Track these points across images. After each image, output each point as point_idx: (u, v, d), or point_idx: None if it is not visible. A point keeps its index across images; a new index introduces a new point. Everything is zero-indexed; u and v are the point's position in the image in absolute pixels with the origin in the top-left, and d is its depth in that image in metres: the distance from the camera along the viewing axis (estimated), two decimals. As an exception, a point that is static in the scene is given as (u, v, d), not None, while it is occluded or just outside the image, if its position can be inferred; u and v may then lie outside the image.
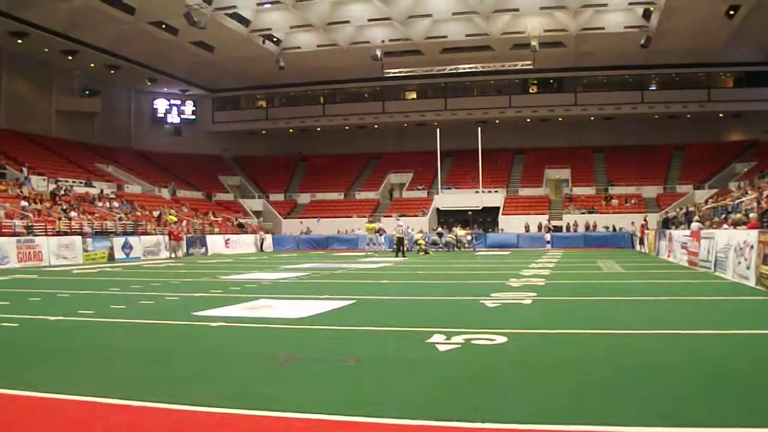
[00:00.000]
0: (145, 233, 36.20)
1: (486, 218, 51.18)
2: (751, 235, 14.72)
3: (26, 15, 39.54)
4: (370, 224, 38.96)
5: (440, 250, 39.29)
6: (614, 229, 45.90)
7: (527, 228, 47.60)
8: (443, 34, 47.30)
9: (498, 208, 51.28)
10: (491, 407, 4.94)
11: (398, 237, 33.68)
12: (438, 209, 52.61)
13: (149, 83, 56.00)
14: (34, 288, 16.05)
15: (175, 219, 40.37)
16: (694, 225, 26.90)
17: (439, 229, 43.47)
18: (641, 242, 37.38)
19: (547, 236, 43.59)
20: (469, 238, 40.69)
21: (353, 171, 61.87)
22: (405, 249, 33.86)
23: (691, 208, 35.32)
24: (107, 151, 54.23)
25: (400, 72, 50.35)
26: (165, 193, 51.34)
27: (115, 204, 41.15)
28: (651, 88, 55.07)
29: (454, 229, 42.54)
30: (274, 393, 5.45)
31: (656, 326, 8.94)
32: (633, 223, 42.81)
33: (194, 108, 62.03)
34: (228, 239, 41.73)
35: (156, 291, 14.86)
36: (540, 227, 46.90)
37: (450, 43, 48.04)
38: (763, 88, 50.82)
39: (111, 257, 30.93)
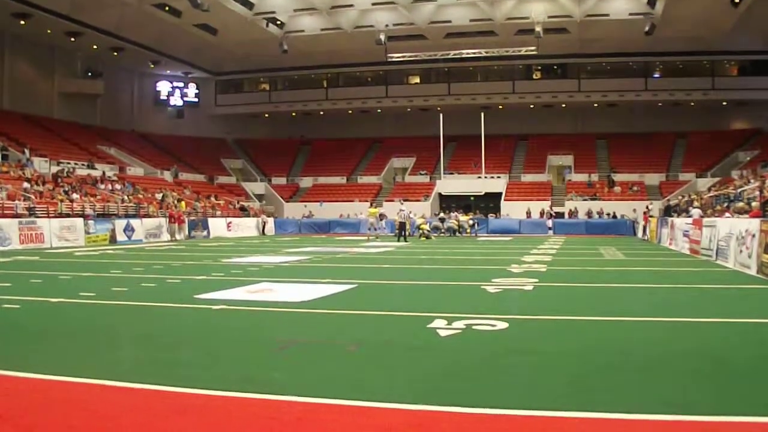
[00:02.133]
0: (147, 216, 36.18)
1: (488, 204, 51.08)
2: (753, 224, 14.71)
3: (29, -4, 39.45)
4: (374, 209, 38.95)
5: (442, 235, 39.27)
6: (614, 216, 45.82)
7: (529, 214, 47.56)
8: (447, 19, 47.19)
9: (500, 193, 51.16)
10: (492, 393, 4.94)
11: (400, 222, 33.70)
12: (440, 194, 52.51)
13: (152, 66, 55.83)
14: (35, 270, 16.07)
15: (185, 208, 40.36)
16: (694, 212, 26.99)
17: (441, 215, 43.41)
18: (644, 230, 37.30)
19: (549, 222, 43.58)
20: (471, 223, 40.60)
21: (356, 155, 61.76)
22: (407, 234, 33.86)
23: (693, 196, 35.31)
24: (109, 133, 54.15)
25: (403, 56, 50.22)
26: (167, 176, 51.32)
27: (117, 186, 41.14)
28: (655, 76, 54.83)
29: (453, 214, 42.41)
30: (276, 377, 5.47)
31: (657, 314, 8.95)
32: (635, 210, 42.74)
33: (197, 91, 61.86)
34: (230, 222, 41.74)
35: (158, 273, 14.88)
36: (542, 213, 46.86)
37: (454, 28, 47.90)
38: (768, 76, 50.70)
39: (113, 239, 30.91)
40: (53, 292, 11.24)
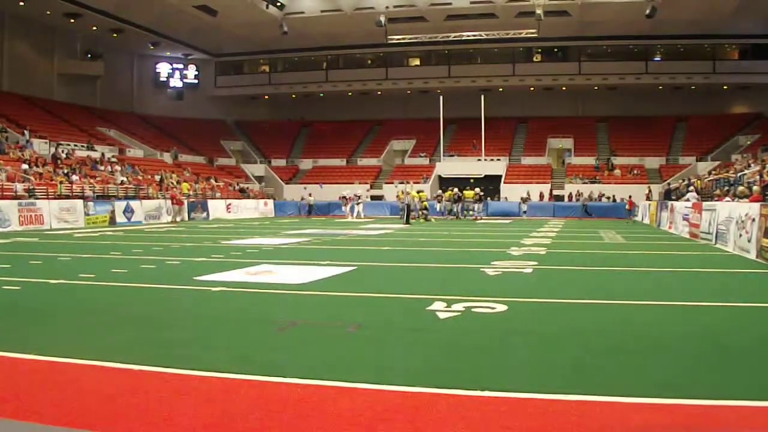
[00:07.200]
0: (147, 197, 36.19)
1: (488, 186, 51.01)
2: (753, 208, 14.69)
3: (28, -23, 39.24)
4: (416, 193, 38.64)
5: (451, 218, 39.11)
6: (614, 200, 45.79)
7: (530, 197, 47.52)
8: (448, 1, 46.95)
9: (500, 176, 51.14)
10: (491, 375, 4.95)
11: (405, 204, 33.93)
12: (440, 176, 52.46)
13: (152, 47, 55.61)
14: (35, 251, 16.07)
15: (187, 190, 40.40)
16: (690, 195, 27.10)
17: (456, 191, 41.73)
18: (630, 213, 38.00)
19: (524, 206, 43.45)
20: (478, 197, 40.27)
21: (356, 137, 61.69)
22: (409, 216, 33.93)
23: (693, 180, 35.32)
24: (109, 114, 54.07)
25: (403, 39, 50.04)
26: (167, 158, 51.27)
27: (117, 168, 41.08)
28: (656, 59, 54.70)
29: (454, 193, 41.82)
30: (275, 359, 5.47)
31: (656, 297, 8.94)
32: (630, 196, 42.61)
33: (197, 72, 61.78)
34: (229, 204, 41.74)
35: (157, 255, 14.88)
36: (540, 196, 46.76)
37: (454, 10, 47.63)
38: (769, 60, 50.50)
39: (112, 221, 30.91)
40: (53, 273, 11.25)
